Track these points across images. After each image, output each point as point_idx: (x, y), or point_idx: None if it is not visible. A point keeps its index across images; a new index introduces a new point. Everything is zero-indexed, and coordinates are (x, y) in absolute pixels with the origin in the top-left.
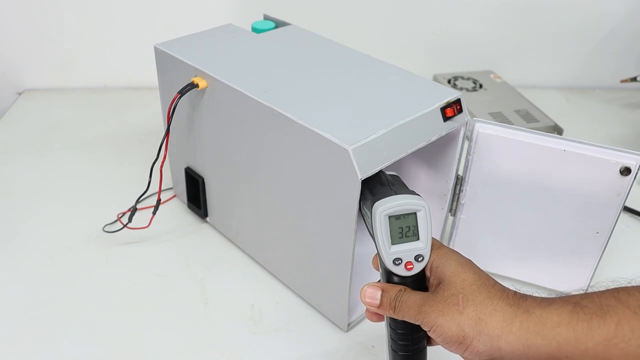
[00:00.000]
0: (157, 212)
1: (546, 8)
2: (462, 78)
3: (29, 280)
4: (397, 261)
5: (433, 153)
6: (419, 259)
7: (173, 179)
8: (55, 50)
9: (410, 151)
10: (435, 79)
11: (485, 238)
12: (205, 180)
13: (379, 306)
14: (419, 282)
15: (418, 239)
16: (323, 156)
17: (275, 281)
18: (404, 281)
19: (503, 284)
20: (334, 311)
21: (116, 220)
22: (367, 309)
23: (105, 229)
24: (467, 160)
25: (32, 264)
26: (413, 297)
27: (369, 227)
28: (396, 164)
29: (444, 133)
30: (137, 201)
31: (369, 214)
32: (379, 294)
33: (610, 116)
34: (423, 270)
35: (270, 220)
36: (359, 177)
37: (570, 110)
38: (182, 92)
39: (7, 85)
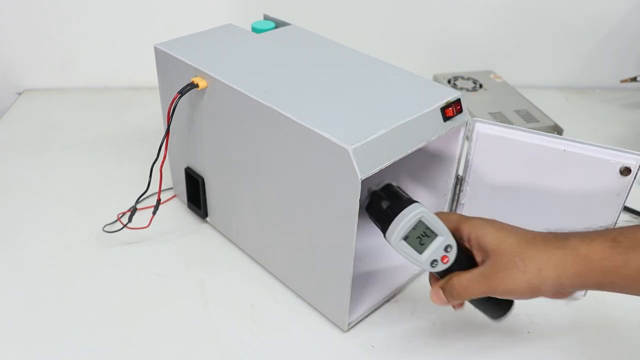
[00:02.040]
0: (157, 212)
1: (546, 8)
2: (462, 78)
3: (29, 280)
4: (433, 263)
5: (433, 153)
6: (448, 249)
7: (173, 179)
8: (55, 50)
9: (410, 151)
10: (435, 79)
11: None
12: (205, 180)
13: (449, 301)
14: (463, 261)
15: (436, 235)
16: (323, 156)
17: (275, 281)
18: (451, 269)
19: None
20: (334, 311)
21: (116, 220)
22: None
23: (105, 229)
24: (467, 160)
25: (32, 263)
26: (466, 277)
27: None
28: (396, 164)
29: (444, 133)
30: (137, 201)
31: (387, 240)
32: (441, 292)
33: (610, 116)
34: (458, 251)
35: (270, 221)
36: (359, 177)
37: (570, 110)
38: (182, 92)
39: (7, 85)
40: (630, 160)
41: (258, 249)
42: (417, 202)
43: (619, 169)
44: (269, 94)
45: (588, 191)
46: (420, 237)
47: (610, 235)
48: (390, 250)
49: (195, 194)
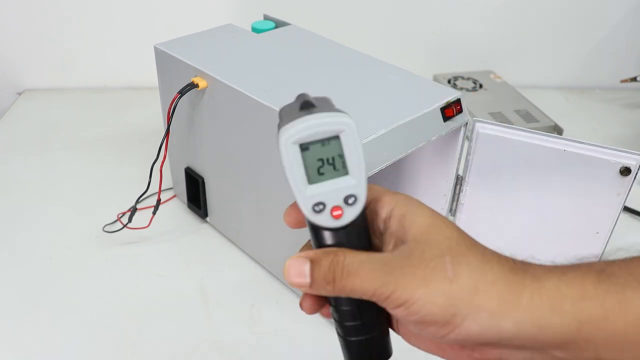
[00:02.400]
0: (157, 212)
1: (546, 8)
2: (462, 78)
3: (29, 280)
4: (317, 206)
5: (433, 153)
6: (350, 201)
7: (173, 179)
8: (55, 50)
9: (410, 151)
10: (435, 79)
11: (485, 238)
12: (205, 180)
13: (312, 284)
14: (360, 239)
15: (347, 173)
16: None
17: (275, 281)
18: (338, 239)
19: None
20: None
21: (116, 220)
22: (301, 298)
23: (105, 229)
24: (467, 160)
25: (32, 263)
26: (361, 257)
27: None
28: (396, 164)
29: (444, 133)
30: (137, 201)
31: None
32: (307, 266)
33: (610, 116)
34: (362, 220)
35: (270, 221)
36: None
37: (570, 110)
38: (182, 92)
39: (7, 85)
40: (630, 160)
41: (258, 249)
42: (348, 115)
43: (619, 169)
44: (269, 94)
45: (588, 191)
46: (323, 161)
47: (594, 266)
48: None
49: (195, 194)
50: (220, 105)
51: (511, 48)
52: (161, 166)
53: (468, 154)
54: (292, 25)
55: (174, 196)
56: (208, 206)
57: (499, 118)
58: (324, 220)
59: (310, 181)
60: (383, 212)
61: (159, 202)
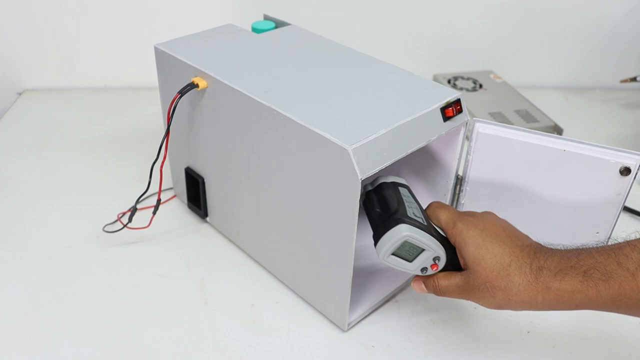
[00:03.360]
0: (157, 212)
1: (546, 8)
2: (462, 78)
3: (29, 280)
4: (423, 270)
5: (433, 153)
6: (437, 260)
7: (173, 179)
8: (55, 50)
9: (410, 151)
10: (435, 79)
11: None
12: (205, 180)
13: (429, 292)
14: (454, 260)
15: (424, 250)
16: (323, 156)
17: (275, 281)
18: (444, 268)
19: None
20: (334, 311)
21: (116, 220)
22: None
23: (105, 229)
24: (467, 160)
25: (32, 263)
26: (449, 281)
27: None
28: (396, 164)
29: (444, 133)
30: (137, 201)
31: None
32: (423, 284)
33: (610, 116)
34: (449, 252)
35: (270, 220)
36: (359, 177)
37: (570, 110)
38: (182, 92)
39: (7, 85)
40: (630, 160)
41: (258, 249)
42: (403, 220)
43: (618, 169)
44: (269, 94)
45: (588, 191)
46: (408, 251)
47: (582, 268)
48: None
49: (195, 194)
50: (220, 105)
51: (511, 48)
52: (161, 166)
53: (468, 154)
54: (292, 25)
55: (174, 196)
56: (208, 206)
57: (499, 118)
58: (430, 272)
59: (410, 261)
60: (451, 240)
61: (159, 202)
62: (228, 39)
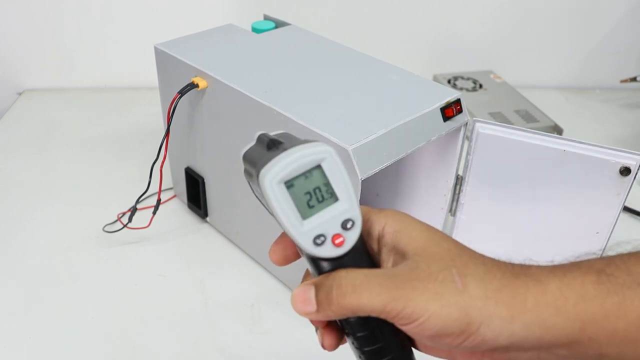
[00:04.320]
0: (157, 212)
1: (546, 8)
2: (462, 78)
3: (29, 280)
4: (318, 239)
5: (433, 153)
6: (349, 225)
7: (173, 179)
8: (55, 50)
9: (410, 151)
10: (435, 79)
11: (485, 238)
12: (205, 180)
13: (318, 309)
14: (361, 258)
15: (337, 199)
16: None
17: (275, 281)
18: (341, 264)
19: None
20: None
21: (116, 220)
22: (318, 336)
23: (105, 229)
24: (467, 160)
25: (32, 263)
26: (364, 274)
27: (267, 208)
28: (396, 164)
29: (444, 133)
30: (137, 201)
31: (259, 190)
32: (312, 292)
33: (610, 116)
34: (361, 241)
35: (270, 221)
36: (359, 177)
37: (570, 110)
38: (182, 92)
39: (7, 85)
40: (630, 160)
41: (258, 249)
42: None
43: (618, 169)
44: (269, 94)
45: (588, 191)
46: (311, 193)
47: (594, 265)
48: None
49: (195, 194)
50: (220, 105)
51: (511, 48)
52: (161, 166)
53: (468, 154)
54: (292, 25)
55: (174, 196)
56: (208, 206)
57: (499, 118)
58: (327, 251)
59: (304, 216)
60: (375, 231)
61: (159, 202)
62: (228, 39)
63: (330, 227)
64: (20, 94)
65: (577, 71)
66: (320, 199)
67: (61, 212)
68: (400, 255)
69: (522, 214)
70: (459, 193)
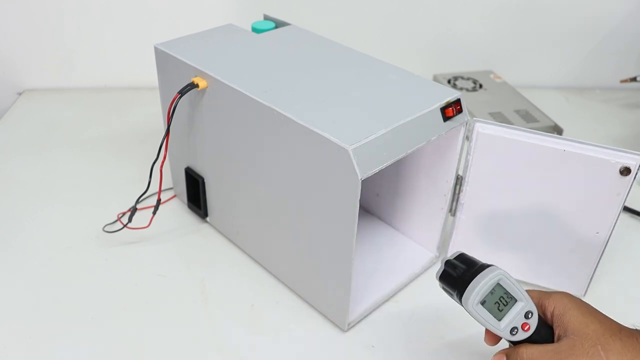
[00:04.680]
0: (157, 212)
1: (546, 8)
2: (462, 78)
3: (29, 280)
4: (513, 331)
5: (433, 153)
6: (529, 315)
7: (173, 179)
8: (55, 50)
9: (410, 151)
10: (435, 79)
11: (485, 238)
12: (205, 180)
13: None
14: (542, 333)
15: (516, 300)
16: (323, 156)
17: (275, 281)
18: (531, 339)
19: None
20: (334, 311)
21: (116, 220)
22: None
23: (105, 229)
24: (467, 160)
25: (32, 264)
26: (538, 350)
27: (471, 315)
28: (396, 164)
29: (444, 133)
30: (137, 201)
31: (462, 306)
32: (504, 358)
33: (610, 116)
34: (539, 321)
35: (270, 221)
36: (359, 177)
37: (570, 110)
38: (182, 92)
39: (7, 85)
40: (630, 160)
41: (258, 249)
42: (493, 265)
43: (618, 169)
44: (269, 94)
45: (588, 191)
46: (498, 302)
47: None
48: (391, 249)
49: (195, 194)
50: (220, 105)
51: (511, 48)
52: (161, 166)
53: (468, 154)
54: (292, 25)
55: (174, 196)
56: (208, 206)
57: (499, 118)
58: (521, 336)
59: (498, 318)
60: (547, 312)
61: (159, 202)
62: (228, 39)
63: (518, 321)
64: (20, 94)
65: (577, 71)
66: (505, 303)
67: (61, 212)
68: (563, 330)
69: (521, 214)
70: (459, 193)
